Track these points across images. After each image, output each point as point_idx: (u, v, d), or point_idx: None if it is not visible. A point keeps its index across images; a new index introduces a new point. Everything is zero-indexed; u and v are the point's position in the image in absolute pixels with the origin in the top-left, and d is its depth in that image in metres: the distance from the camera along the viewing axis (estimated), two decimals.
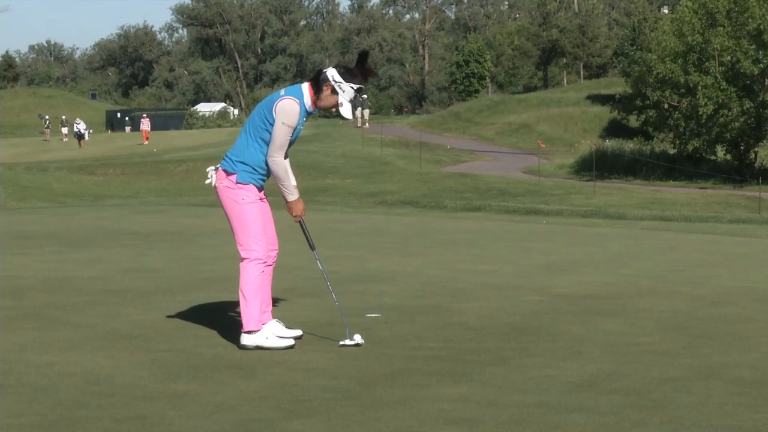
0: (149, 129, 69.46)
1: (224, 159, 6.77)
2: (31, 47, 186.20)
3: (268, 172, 6.74)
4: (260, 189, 6.77)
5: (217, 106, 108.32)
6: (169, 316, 7.82)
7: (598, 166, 48.33)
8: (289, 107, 6.55)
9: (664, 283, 10.25)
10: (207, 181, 6.85)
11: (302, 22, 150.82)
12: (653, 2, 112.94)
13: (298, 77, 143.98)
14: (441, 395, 5.44)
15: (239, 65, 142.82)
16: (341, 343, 6.89)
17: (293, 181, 6.82)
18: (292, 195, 6.78)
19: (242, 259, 6.72)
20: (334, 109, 6.76)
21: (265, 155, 6.64)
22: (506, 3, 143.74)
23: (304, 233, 7.04)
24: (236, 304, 8.24)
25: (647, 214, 23.34)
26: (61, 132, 73.83)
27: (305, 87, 6.72)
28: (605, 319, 7.96)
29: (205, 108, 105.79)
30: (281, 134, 6.56)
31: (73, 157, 56.80)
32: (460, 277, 10.50)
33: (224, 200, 6.73)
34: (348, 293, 8.39)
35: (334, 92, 6.64)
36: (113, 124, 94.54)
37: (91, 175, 46.42)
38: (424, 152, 53.61)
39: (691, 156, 51.89)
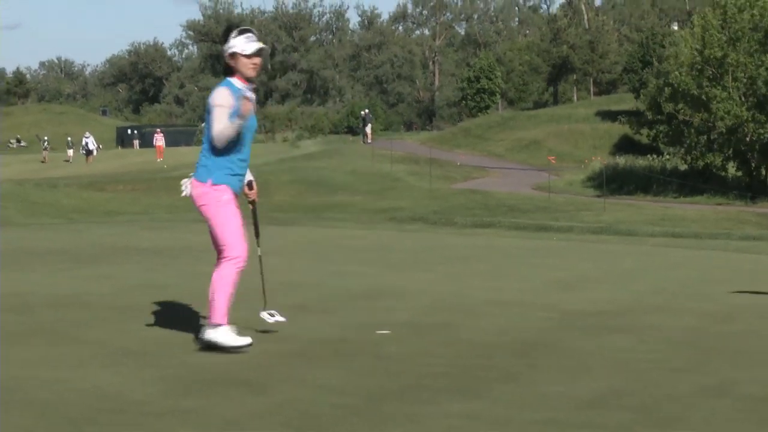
0: (164, 145, 68.46)
1: (196, 170, 6.88)
2: (42, 63, 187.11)
3: (241, 172, 6.90)
4: (236, 195, 6.90)
5: None
6: (177, 332, 7.81)
7: (609, 183, 48.28)
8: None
9: (674, 300, 10.23)
10: (183, 194, 6.92)
11: (312, 38, 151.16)
12: (663, 18, 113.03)
13: (309, 93, 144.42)
14: (450, 412, 5.43)
15: None
16: (261, 314, 7.31)
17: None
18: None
19: (224, 258, 6.81)
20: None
21: (227, 152, 6.78)
22: (517, 19, 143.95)
23: (254, 219, 7.22)
24: (246, 319, 8.25)
25: (657, 231, 23.30)
26: (67, 153, 70.62)
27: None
28: (614, 336, 7.95)
29: None
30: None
31: (82, 173, 56.92)
32: (469, 294, 10.48)
33: (203, 204, 6.82)
34: (358, 309, 8.38)
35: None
36: (123, 140, 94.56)
37: (100, 192, 46.46)
38: (434, 168, 53.64)
39: (703, 172, 51.76)
